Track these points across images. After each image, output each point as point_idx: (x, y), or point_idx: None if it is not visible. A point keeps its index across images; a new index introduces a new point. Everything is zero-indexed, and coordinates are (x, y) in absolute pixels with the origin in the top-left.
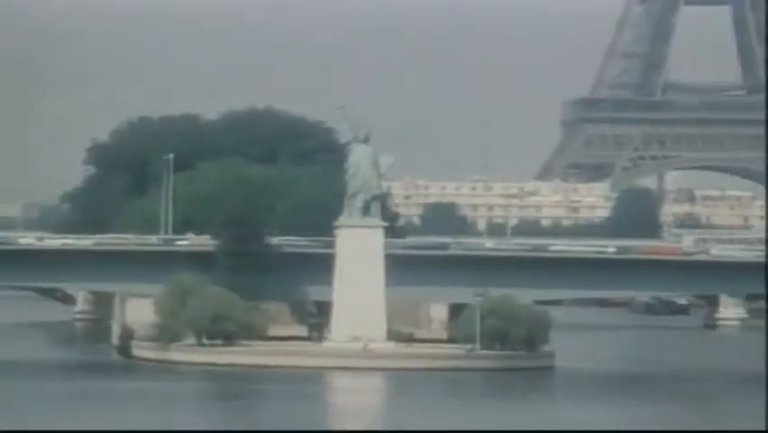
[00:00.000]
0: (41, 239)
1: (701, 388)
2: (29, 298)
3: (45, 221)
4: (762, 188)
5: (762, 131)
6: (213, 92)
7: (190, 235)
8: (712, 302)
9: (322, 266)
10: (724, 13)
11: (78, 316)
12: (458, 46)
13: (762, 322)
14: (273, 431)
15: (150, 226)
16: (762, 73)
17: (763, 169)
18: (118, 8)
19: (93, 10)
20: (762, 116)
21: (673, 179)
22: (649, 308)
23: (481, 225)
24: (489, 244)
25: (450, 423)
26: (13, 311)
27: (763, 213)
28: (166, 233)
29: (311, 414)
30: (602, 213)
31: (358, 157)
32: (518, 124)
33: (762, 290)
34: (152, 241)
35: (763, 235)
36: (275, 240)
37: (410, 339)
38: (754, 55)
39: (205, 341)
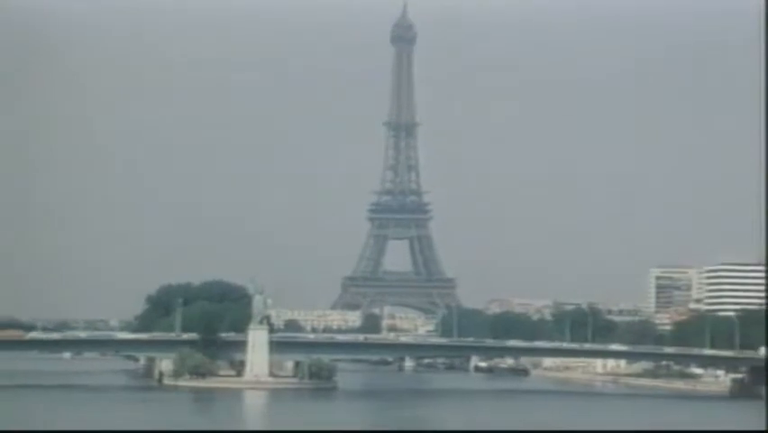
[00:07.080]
0: (126, 335)
1: (368, 396)
2: (119, 359)
3: (128, 327)
4: (421, 313)
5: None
6: (199, 266)
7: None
8: (401, 359)
9: (242, 345)
10: (404, 244)
11: (140, 367)
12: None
13: (426, 370)
14: (281, 431)
15: (171, 330)
16: (423, 268)
17: (419, 304)
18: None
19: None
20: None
21: (386, 310)
22: (375, 363)
23: (308, 328)
24: (311, 337)
25: (291, 405)
26: (109, 365)
27: (430, 323)
28: (177, 332)
29: (237, 403)
30: (357, 324)
31: (257, 300)
32: (324, 286)
33: (426, 355)
34: (171, 336)
35: (431, 329)
36: (222, 334)
37: (277, 376)
38: (419, 262)
39: (193, 377)
